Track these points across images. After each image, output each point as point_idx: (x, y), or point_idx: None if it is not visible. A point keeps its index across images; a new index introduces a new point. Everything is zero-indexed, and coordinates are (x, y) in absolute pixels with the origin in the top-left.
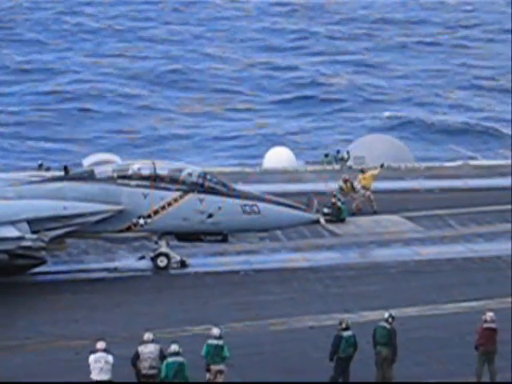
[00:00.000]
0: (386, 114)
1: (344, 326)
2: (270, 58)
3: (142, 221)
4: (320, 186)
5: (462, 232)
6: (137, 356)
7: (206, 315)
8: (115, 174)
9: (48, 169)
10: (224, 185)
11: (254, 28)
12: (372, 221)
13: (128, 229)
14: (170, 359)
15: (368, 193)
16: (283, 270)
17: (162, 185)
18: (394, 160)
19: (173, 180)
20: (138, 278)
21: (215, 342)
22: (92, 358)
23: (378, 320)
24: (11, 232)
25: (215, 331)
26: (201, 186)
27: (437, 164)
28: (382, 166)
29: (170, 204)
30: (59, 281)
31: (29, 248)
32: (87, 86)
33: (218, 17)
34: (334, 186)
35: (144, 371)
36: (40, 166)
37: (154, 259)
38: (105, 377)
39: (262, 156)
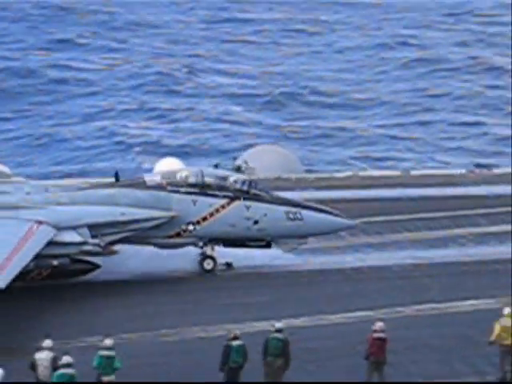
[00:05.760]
0: None
1: (233, 335)
2: None
3: (191, 227)
4: None
5: (352, 242)
6: (33, 362)
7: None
8: (164, 181)
9: None
10: (267, 192)
11: None
12: None
13: (177, 235)
14: (61, 371)
15: None
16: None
17: (210, 192)
18: (284, 171)
19: (220, 187)
20: None
21: (106, 352)
22: None
23: (267, 330)
24: (74, 237)
25: (107, 342)
26: (246, 193)
27: (327, 175)
28: None
29: (217, 210)
30: None
31: (88, 253)
32: None
33: None
34: None
35: (40, 377)
36: None
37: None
38: None
39: None
